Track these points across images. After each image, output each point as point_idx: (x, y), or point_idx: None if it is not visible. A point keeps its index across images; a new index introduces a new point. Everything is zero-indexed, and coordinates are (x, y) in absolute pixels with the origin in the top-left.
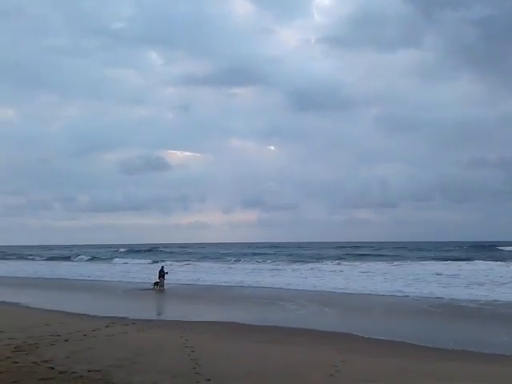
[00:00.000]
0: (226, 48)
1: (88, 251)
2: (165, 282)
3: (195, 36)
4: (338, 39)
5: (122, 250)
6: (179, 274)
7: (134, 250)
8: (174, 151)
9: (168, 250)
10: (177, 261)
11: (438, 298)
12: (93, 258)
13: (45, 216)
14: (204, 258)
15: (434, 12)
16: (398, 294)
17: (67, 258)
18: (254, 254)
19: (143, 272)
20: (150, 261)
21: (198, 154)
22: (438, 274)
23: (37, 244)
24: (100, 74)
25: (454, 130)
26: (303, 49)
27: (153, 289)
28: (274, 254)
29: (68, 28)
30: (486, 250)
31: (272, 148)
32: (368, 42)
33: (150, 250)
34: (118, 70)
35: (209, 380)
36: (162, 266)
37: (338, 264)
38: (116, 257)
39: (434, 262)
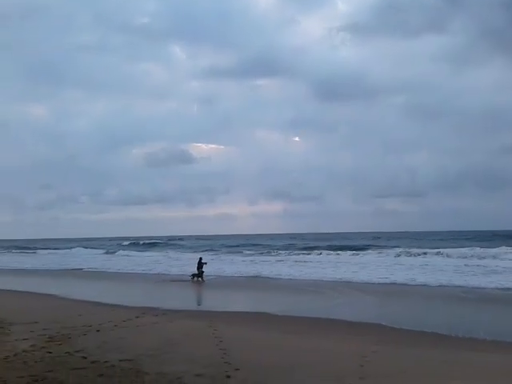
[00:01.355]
0: (249, 40)
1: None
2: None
3: (218, 29)
4: (362, 27)
5: (125, 242)
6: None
7: (139, 243)
8: (199, 144)
9: (182, 242)
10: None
11: (462, 286)
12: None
13: (74, 210)
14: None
15: None
16: (417, 283)
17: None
18: (265, 246)
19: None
20: (155, 253)
21: (222, 147)
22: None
23: (68, 237)
24: (126, 69)
25: (485, 117)
26: (327, 38)
27: (191, 280)
28: (295, 244)
29: (94, 25)
30: None
31: (297, 139)
32: (393, 29)
33: (152, 244)
34: (143, 64)
35: (238, 369)
36: (201, 258)
37: (358, 254)
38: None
39: (456, 250)
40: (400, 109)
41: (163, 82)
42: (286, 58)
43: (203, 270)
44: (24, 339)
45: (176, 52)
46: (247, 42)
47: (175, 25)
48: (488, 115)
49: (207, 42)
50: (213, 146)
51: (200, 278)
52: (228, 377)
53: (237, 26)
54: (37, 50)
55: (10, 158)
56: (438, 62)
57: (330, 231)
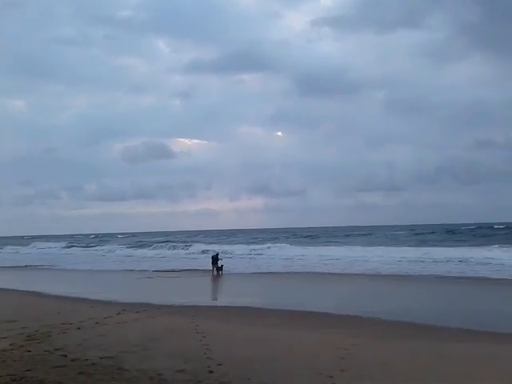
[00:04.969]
0: (232, 34)
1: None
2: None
3: (201, 23)
4: (344, 21)
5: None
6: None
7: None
8: (182, 139)
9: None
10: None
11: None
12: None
13: (53, 205)
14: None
15: None
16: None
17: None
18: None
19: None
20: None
21: (205, 142)
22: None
23: (47, 234)
24: (107, 63)
25: (463, 112)
26: (310, 32)
27: (213, 275)
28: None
29: (75, 18)
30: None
31: (279, 134)
32: (375, 24)
33: None
34: (125, 58)
35: (220, 364)
36: (217, 253)
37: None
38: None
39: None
40: (381, 103)
41: (146, 76)
42: (269, 52)
43: (221, 264)
44: (3, 338)
45: (159, 46)
46: (230, 36)
47: (158, 18)
48: (467, 110)
49: (190, 36)
50: (196, 140)
51: (217, 273)
52: (210, 372)
53: (220, 20)
54: (17, 44)
55: None
56: (417, 57)
57: (313, 226)
